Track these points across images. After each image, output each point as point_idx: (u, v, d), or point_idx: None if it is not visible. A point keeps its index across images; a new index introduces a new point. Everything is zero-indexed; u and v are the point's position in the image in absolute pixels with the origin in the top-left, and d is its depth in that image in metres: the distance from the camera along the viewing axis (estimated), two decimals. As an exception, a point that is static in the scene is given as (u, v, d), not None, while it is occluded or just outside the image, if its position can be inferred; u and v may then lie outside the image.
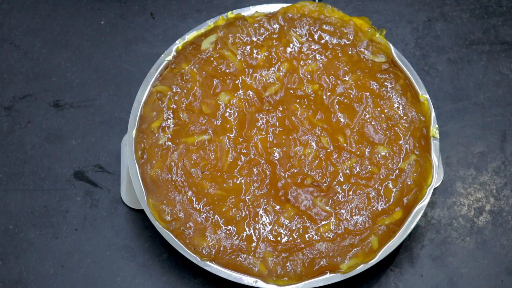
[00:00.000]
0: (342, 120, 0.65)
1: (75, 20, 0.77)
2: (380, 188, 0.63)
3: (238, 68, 0.67)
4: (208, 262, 0.61)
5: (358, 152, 0.64)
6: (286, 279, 0.60)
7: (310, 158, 0.64)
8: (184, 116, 0.65)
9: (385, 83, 0.67)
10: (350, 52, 0.68)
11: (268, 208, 0.62)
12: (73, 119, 0.72)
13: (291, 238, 0.61)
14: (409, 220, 0.62)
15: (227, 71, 0.67)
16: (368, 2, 0.78)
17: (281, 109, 0.66)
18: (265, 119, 0.65)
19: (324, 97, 0.66)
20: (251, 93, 0.66)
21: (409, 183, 0.63)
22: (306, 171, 0.63)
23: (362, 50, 0.68)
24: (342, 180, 0.63)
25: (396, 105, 0.66)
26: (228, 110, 0.66)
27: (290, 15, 0.69)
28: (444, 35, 0.77)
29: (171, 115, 0.65)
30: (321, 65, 0.67)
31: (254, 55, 0.68)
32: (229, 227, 0.62)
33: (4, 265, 0.66)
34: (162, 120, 0.65)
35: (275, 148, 0.64)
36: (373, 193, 0.63)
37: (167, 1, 0.79)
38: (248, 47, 0.68)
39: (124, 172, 0.68)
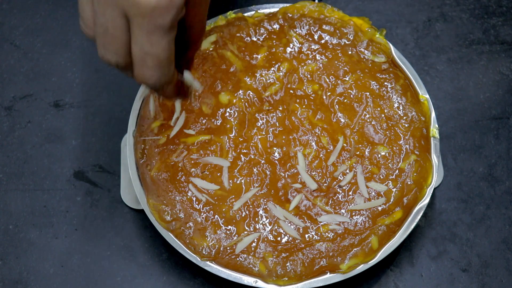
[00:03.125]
0: (342, 120, 0.65)
1: (75, 20, 0.77)
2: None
3: (238, 68, 0.67)
4: (208, 262, 0.61)
5: (358, 152, 0.64)
6: (286, 279, 0.60)
7: (310, 158, 0.64)
8: (184, 116, 0.65)
9: (385, 83, 0.67)
10: (350, 52, 0.68)
11: (268, 208, 0.62)
12: (73, 119, 0.72)
13: (291, 238, 0.61)
14: (409, 220, 0.62)
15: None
16: (368, 2, 0.78)
17: (281, 109, 0.66)
18: (265, 119, 0.66)
19: (324, 97, 0.66)
20: (251, 93, 0.66)
21: (409, 183, 0.63)
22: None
23: (362, 50, 0.68)
24: (342, 180, 0.63)
25: (396, 105, 0.66)
26: (228, 110, 0.66)
27: (290, 15, 0.69)
28: (444, 35, 0.77)
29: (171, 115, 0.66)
30: (321, 65, 0.67)
31: (254, 55, 0.68)
32: (229, 227, 0.62)
33: (4, 265, 0.66)
34: (162, 120, 0.65)
35: (275, 148, 0.64)
36: (373, 193, 0.63)
37: (167, 1, 0.79)
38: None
39: (124, 172, 0.68)
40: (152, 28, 0.47)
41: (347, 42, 0.68)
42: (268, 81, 0.67)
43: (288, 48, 0.68)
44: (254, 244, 0.61)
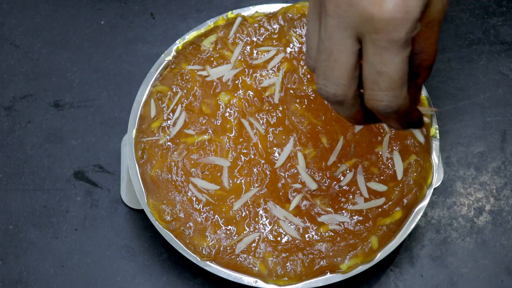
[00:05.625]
0: (342, 120, 0.65)
1: (75, 20, 0.77)
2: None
3: (238, 68, 0.67)
4: (208, 262, 0.61)
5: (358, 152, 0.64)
6: (286, 279, 0.60)
7: (310, 158, 0.64)
8: (184, 116, 0.65)
9: (385, 83, 0.67)
10: (350, 52, 0.68)
11: (268, 208, 0.62)
12: (73, 119, 0.72)
13: (291, 238, 0.61)
14: (409, 220, 0.62)
15: (227, 71, 0.67)
16: (368, 2, 0.78)
17: (281, 109, 0.66)
18: (265, 119, 0.65)
19: (324, 97, 0.66)
20: (251, 93, 0.66)
21: (409, 183, 0.63)
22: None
23: (362, 50, 0.68)
24: (342, 180, 0.63)
25: (396, 105, 0.66)
26: (228, 110, 0.66)
27: (290, 15, 0.69)
28: (444, 35, 0.77)
29: (171, 115, 0.65)
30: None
31: (254, 55, 0.68)
32: (229, 227, 0.62)
33: (4, 265, 0.66)
34: (162, 120, 0.65)
35: (275, 148, 0.64)
36: (373, 193, 0.63)
37: (167, 1, 0.79)
38: (248, 47, 0.68)
39: (124, 172, 0.68)
40: (385, 43, 0.44)
41: (347, 42, 0.68)
42: (268, 81, 0.67)
43: (288, 48, 0.68)
44: (254, 244, 0.61)
